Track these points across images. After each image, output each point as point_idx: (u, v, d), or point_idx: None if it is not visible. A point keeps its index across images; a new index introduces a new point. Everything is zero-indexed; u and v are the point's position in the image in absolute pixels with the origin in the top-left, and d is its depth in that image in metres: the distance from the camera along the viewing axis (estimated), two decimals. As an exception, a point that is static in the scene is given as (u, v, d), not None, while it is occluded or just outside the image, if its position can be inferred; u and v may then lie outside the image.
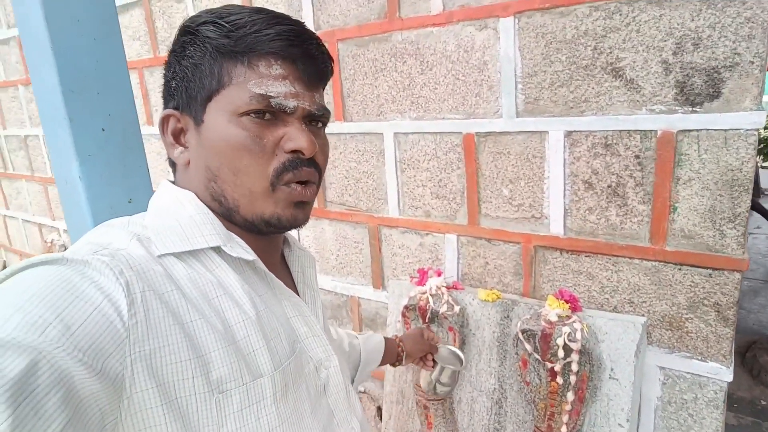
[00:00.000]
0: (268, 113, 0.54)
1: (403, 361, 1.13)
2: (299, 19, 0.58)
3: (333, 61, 0.61)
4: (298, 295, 0.67)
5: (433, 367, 1.16)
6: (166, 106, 0.60)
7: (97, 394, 0.40)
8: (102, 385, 0.41)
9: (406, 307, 1.56)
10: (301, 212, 0.59)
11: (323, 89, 0.62)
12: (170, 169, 0.65)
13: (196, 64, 0.54)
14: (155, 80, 2.36)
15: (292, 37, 0.54)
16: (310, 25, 1.76)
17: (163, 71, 0.60)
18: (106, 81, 0.83)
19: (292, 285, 0.68)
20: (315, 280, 0.71)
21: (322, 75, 0.60)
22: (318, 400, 0.63)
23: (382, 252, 1.82)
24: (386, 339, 1.08)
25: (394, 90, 1.62)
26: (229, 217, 0.58)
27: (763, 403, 2.32)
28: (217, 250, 0.56)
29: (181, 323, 0.48)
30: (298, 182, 0.57)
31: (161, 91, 0.61)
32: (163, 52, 2.28)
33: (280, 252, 0.69)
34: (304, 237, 2.02)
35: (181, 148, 0.58)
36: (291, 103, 0.55)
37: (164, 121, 0.59)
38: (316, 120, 0.59)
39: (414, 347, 1.12)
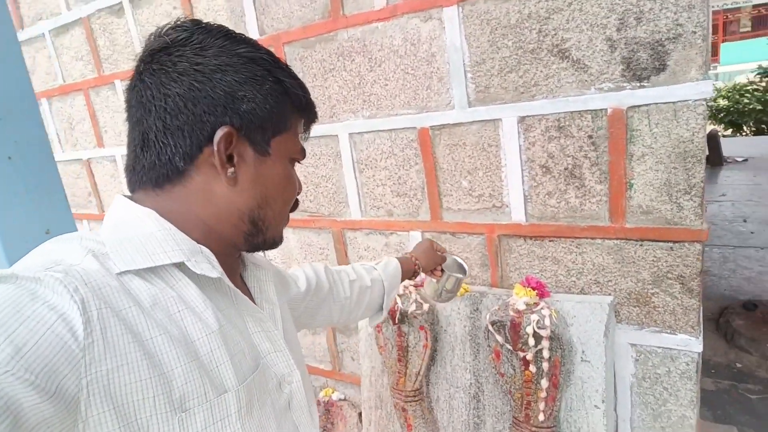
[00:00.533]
0: None
1: (420, 275, 1.18)
2: None
3: None
4: None
5: (440, 275, 1.19)
6: (215, 118, 0.56)
7: (49, 420, 0.39)
8: (56, 408, 0.39)
9: (376, 310, 1.53)
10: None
11: None
12: (142, 179, 0.59)
13: (278, 103, 0.59)
14: (101, 100, 2.27)
15: (315, 106, 0.67)
16: (254, 30, 1.71)
17: (210, 75, 0.55)
18: (8, 107, 0.77)
19: (251, 301, 0.67)
20: (273, 294, 0.70)
21: None
22: (284, 415, 0.62)
23: (348, 256, 1.78)
24: (401, 260, 1.11)
25: (345, 90, 1.58)
26: (249, 236, 0.62)
27: (739, 365, 2.36)
28: (180, 266, 0.54)
29: (140, 341, 0.47)
30: None
31: (202, 96, 0.55)
32: (107, 71, 2.19)
33: (239, 271, 0.68)
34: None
35: (232, 169, 0.58)
36: (302, 159, 0.68)
37: (228, 139, 0.56)
38: None
39: (428, 262, 1.16)
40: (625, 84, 1.17)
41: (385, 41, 1.46)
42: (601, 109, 1.21)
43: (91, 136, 2.41)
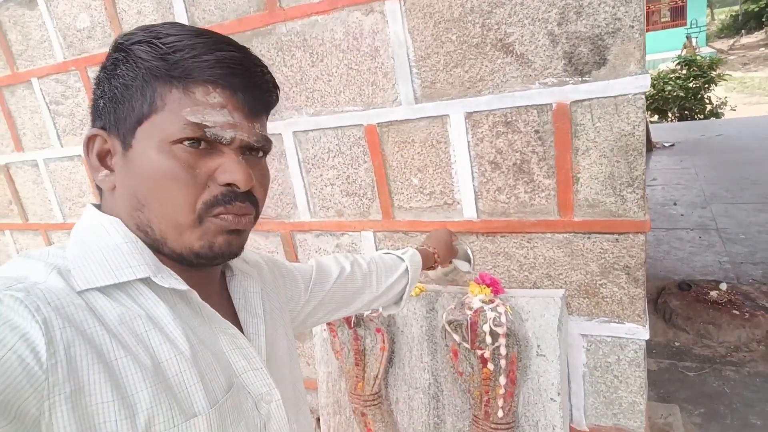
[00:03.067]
0: (203, 142, 0.51)
1: (438, 266, 1.17)
2: (244, 45, 0.55)
3: (278, 89, 0.59)
4: (240, 324, 0.62)
5: (448, 265, 1.21)
6: (93, 126, 0.56)
7: None
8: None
9: (329, 315, 1.48)
10: (235, 239, 0.55)
11: (266, 118, 0.60)
12: (96, 193, 0.58)
13: (127, 84, 0.51)
14: (17, 100, 2.07)
15: (234, 64, 0.52)
16: (183, 22, 1.60)
17: (93, 87, 0.56)
18: None
19: (233, 314, 0.63)
20: (259, 306, 0.65)
21: (266, 104, 0.58)
22: None
23: (299, 258, 1.72)
24: (423, 253, 1.09)
25: (287, 86, 1.51)
26: (156, 248, 0.54)
27: (677, 344, 2.50)
28: (146, 281, 0.52)
29: (105, 362, 0.45)
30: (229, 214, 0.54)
31: (90, 108, 0.57)
32: (22, 68, 2.00)
33: (217, 281, 0.63)
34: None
35: (106, 172, 0.54)
36: (228, 134, 0.52)
37: (89, 142, 0.55)
38: (256, 150, 0.57)
39: (446, 255, 1.17)
40: (567, 79, 1.18)
41: (326, 35, 1.41)
42: (546, 104, 1.21)
43: (8, 140, 2.20)
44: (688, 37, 12.97)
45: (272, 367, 0.63)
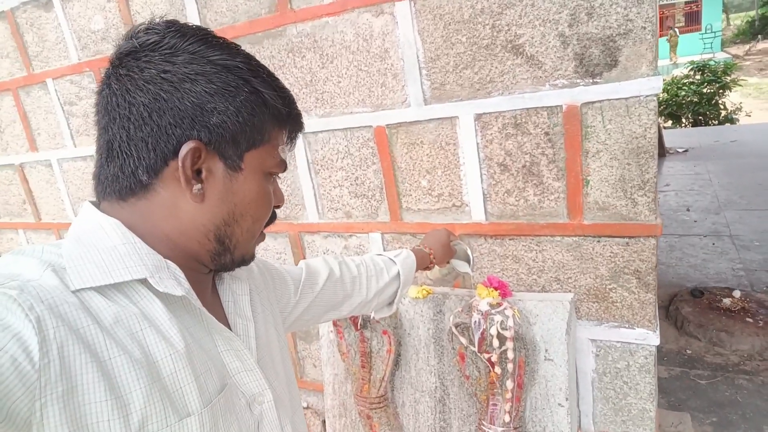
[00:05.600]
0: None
1: (434, 266, 1.17)
2: None
3: None
4: (230, 326, 0.63)
5: (447, 264, 1.21)
6: (182, 131, 0.52)
7: None
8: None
9: (336, 316, 1.48)
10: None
11: None
12: (95, 192, 0.57)
13: (253, 115, 0.55)
14: (33, 101, 2.10)
15: (300, 114, 0.63)
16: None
17: (179, 84, 0.52)
18: None
19: (223, 317, 0.64)
20: (248, 309, 0.66)
21: None
22: None
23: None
24: (418, 254, 1.08)
25: (296, 87, 1.51)
26: (216, 255, 0.58)
27: (689, 352, 2.46)
28: (144, 282, 0.52)
29: (98, 360, 0.45)
30: None
31: (169, 107, 0.51)
32: (37, 69, 2.03)
33: (210, 285, 0.64)
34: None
35: (199, 185, 0.54)
36: (287, 167, 0.63)
37: (195, 154, 0.53)
38: None
39: (443, 256, 1.16)
40: (578, 80, 1.17)
41: (336, 37, 1.41)
42: (556, 106, 1.20)
43: (23, 140, 2.23)
44: (671, 28, 12.86)
45: (264, 367, 0.64)
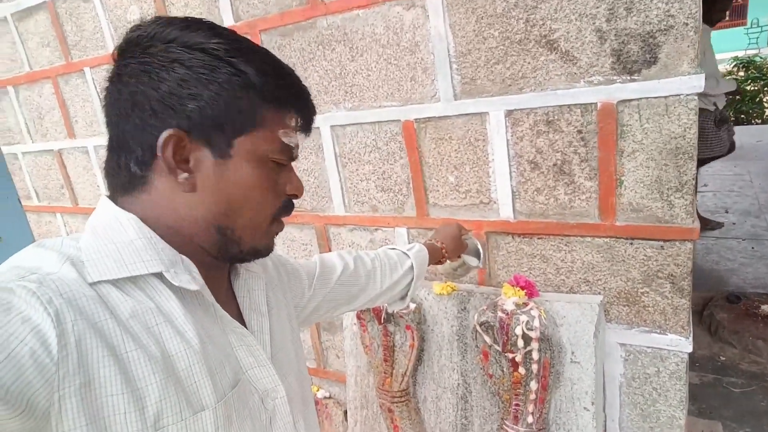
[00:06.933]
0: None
1: (446, 260, 1.17)
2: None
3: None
4: (244, 321, 0.64)
5: (458, 258, 1.20)
6: (160, 121, 0.52)
7: None
8: (22, 425, 0.39)
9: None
10: (273, 242, 0.64)
11: None
12: (107, 184, 0.59)
13: (235, 97, 0.53)
14: (71, 89, 2.17)
15: (307, 96, 0.61)
16: (228, 17, 1.63)
17: (155, 73, 0.51)
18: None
19: (237, 313, 0.65)
20: (263, 303, 0.67)
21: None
22: None
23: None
24: (430, 248, 1.08)
25: (326, 80, 1.51)
26: (222, 247, 0.57)
27: (722, 359, 2.37)
28: (160, 276, 0.52)
29: (115, 354, 0.46)
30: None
31: (146, 98, 0.52)
32: (76, 58, 2.09)
33: (225, 280, 0.65)
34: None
35: (186, 174, 0.54)
36: (296, 154, 0.61)
37: (172, 143, 0.52)
38: None
39: (454, 249, 1.16)
40: (615, 77, 1.13)
41: (366, 30, 1.40)
42: (590, 103, 1.17)
43: (61, 126, 2.30)
44: None
45: (278, 363, 0.64)
